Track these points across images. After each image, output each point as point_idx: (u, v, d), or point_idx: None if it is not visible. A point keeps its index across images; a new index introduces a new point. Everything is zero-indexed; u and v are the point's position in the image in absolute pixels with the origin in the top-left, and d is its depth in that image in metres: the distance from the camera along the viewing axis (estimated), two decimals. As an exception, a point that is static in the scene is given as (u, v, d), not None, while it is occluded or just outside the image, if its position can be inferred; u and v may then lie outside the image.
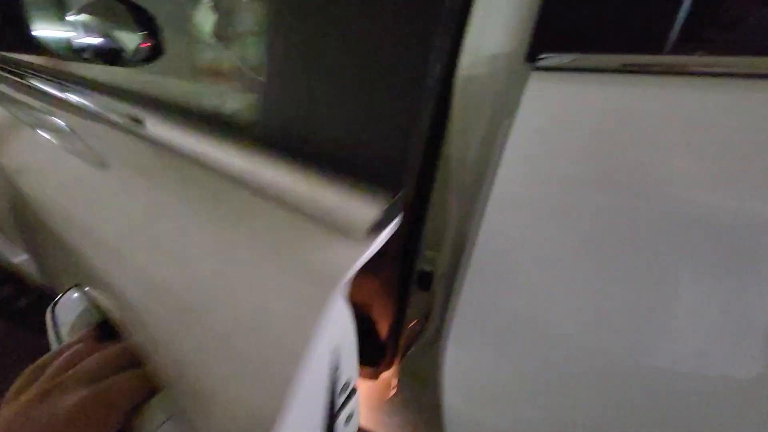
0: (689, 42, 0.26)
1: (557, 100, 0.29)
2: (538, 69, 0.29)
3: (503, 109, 0.30)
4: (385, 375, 0.37)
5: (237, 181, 0.26)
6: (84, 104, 0.35)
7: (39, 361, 0.34)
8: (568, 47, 0.29)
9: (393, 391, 0.40)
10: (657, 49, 0.26)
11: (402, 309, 0.33)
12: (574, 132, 0.28)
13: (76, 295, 0.40)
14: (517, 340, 0.36)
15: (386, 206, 0.24)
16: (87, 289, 0.39)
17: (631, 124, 0.27)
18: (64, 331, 0.38)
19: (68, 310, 0.39)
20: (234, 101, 0.26)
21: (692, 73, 0.26)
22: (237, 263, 0.26)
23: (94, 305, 0.38)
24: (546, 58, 0.29)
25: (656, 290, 0.29)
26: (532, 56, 0.29)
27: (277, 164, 0.26)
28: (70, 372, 0.31)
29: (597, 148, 0.28)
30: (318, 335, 0.22)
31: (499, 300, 0.35)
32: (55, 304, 0.39)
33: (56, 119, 0.43)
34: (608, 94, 0.28)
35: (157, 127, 0.31)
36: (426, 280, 0.33)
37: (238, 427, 0.25)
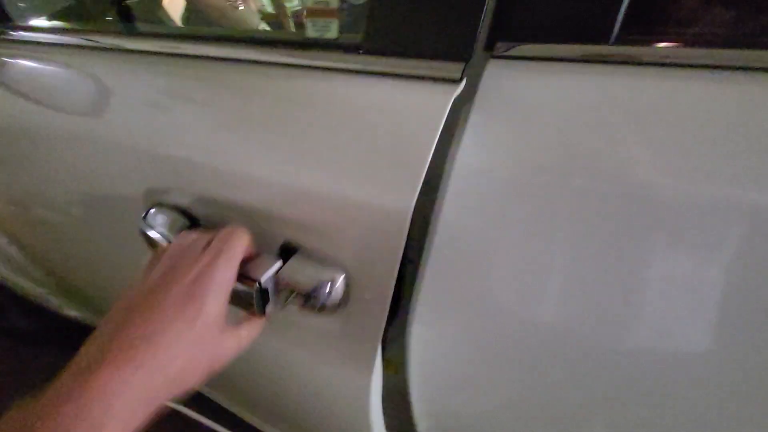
0: (633, 33, 0.26)
1: (514, 88, 0.29)
2: (495, 57, 0.30)
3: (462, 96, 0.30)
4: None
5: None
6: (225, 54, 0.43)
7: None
8: (524, 37, 0.29)
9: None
10: (604, 40, 0.27)
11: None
12: (530, 119, 0.29)
13: (158, 211, 0.44)
14: (481, 324, 0.37)
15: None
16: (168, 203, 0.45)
17: (586, 112, 0.28)
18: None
19: (158, 224, 0.43)
20: (333, 30, 0.37)
21: (642, 63, 0.27)
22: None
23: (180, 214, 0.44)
24: (503, 47, 0.30)
25: (616, 272, 0.29)
26: (489, 45, 0.30)
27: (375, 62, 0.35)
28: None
29: (552, 135, 0.28)
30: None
31: (462, 284, 0.36)
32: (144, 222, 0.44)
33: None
34: (563, 82, 0.28)
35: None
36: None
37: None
